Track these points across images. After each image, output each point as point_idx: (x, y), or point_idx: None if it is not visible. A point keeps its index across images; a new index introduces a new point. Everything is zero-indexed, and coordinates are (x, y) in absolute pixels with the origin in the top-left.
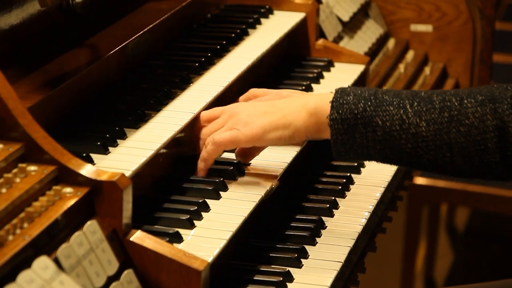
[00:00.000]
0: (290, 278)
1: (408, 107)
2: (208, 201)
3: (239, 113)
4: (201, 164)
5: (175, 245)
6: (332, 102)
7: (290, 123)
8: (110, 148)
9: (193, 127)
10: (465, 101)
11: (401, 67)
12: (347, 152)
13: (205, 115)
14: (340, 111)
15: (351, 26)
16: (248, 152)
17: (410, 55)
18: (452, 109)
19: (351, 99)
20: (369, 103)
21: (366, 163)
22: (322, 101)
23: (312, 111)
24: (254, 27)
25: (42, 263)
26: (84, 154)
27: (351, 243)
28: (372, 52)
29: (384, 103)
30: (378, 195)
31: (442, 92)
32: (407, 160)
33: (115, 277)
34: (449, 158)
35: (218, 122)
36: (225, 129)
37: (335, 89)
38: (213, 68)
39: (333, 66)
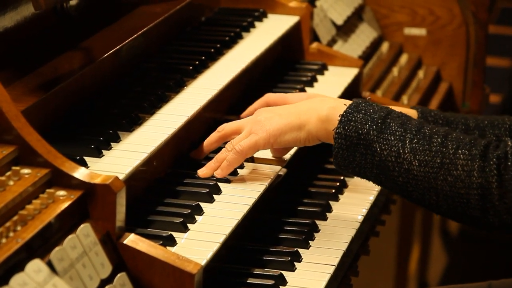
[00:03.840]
0: (284, 281)
1: (407, 142)
2: (202, 204)
3: (259, 119)
4: (218, 172)
5: (169, 248)
6: (341, 116)
7: (304, 125)
8: (104, 151)
9: (210, 135)
10: (459, 151)
11: (395, 70)
12: (346, 167)
13: (228, 128)
14: (346, 127)
15: (345, 29)
16: (279, 151)
17: (404, 58)
18: (445, 156)
19: (359, 118)
20: (374, 126)
21: None
22: (335, 111)
23: (324, 119)
24: (248, 31)
25: (35, 266)
26: (77, 157)
27: (344, 246)
28: (366, 56)
29: (387, 130)
30: (371, 198)
31: (445, 134)
32: (399, 191)
33: (109, 280)
34: (435, 201)
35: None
36: (244, 136)
37: (352, 101)
38: (207, 71)
39: (327, 69)
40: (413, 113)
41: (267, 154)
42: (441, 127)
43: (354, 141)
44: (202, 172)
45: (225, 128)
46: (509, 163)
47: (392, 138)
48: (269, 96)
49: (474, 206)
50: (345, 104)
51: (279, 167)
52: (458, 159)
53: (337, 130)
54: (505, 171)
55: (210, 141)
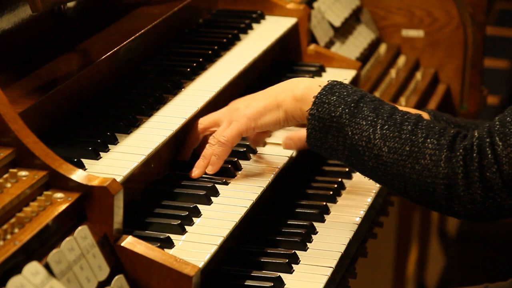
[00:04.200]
0: (281, 284)
1: (378, 127)
2: (200, 206)
3: (237, 107)
4: (209, 168)
5: (166, 250)
6: (315, 97)
7: (281, 105)
8: (102, 154)
9: (188, 133)
10: (428, 140)
11: (393, 72)
12: (319, 148)
13: (206, 121)
14: (320, 109)
15: (343, 31)
16: (257, 139)
17: (401, 60)
18: (414, 145)
19: (333, 100)
20: (346, 110)
21: None
22: (309, 92)
23: (298, 98)
24: (245, 32)
25: (33, 268)
26: (75, 160)
27: (342, 248)
28: (364, 57)
29: (360, 115)
30: (369, 200)
31: (415, 121)
32: (369, 174)
33: (106, 282)
34: (403, 187)
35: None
36: (225, 126)
37: (327, 82)
38: (205, 73)
39: (324, 71)
40: (425, 116)
41: (262, 156)
42: (413, 113)
43: (327, 123)
44: (194, 173)
45: (202, 122)
46: (475, 155)
47: (364, 123)
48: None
49: (439, 195)
50: (319, 86)
51: (277, 168)
52: (427, 148)
53: (311, 112)
54: (470, 162)
55: (191, 139)
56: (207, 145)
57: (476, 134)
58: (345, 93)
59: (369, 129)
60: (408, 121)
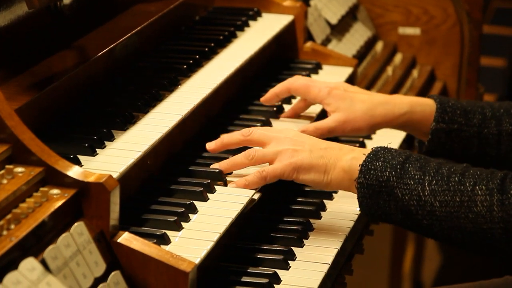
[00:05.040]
0: (277, 280)
1: (426, 184)
2: (196, 203)
3: (287, 149)
4: (233, 185)
5: (163, 246)
6: (361, 165)
7: (328, 171)
8: (98, 150)
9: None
10: (477, 187)
11: (389, 70)
12: (372, 215)
13: (256, 136)
14: (367, 176)
15: (339, 29)
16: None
17: (398, 58)
18: (464, 194)
19: (378, 166)
20: (393, 172)
21: None
22: (356, 161)
23: (346, 169)
24: (242, 30)
25: (29, 264)
26: (71, 156)
27: (338, 245)
28: (360, 55)
29: (407, 175)
30: None
31: (462, 171)
32: (427, 233)
33: (102, 278)
34: (460, 239)
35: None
36: (270, 155)
37: (371, 149)
38: (201, 70)
39: (321, 68)
40: (430, 103)
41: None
42: (460, 164)
43: (376, 189)
44: (215, 165)
45: (252, 134)
46: None
47: (412, 182)
48: (292, 83)
49: (499, 239)
50: (364, 154)
51: None
52: (477, 195)
53: (359, 180)
54: None
55: (231, 141)
56: (241, 154)
57: None
58: (389, 157)
59: (418, 187)
60: (455, 173)
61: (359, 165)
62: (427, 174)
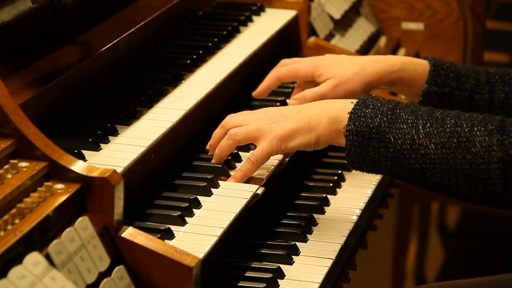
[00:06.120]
0: (281, 275)
1: (420, 127)
2: (200, 197)
3: (267, 125)
4: (231, 180)
5: (167, 241)
6: (350, 113)
7: (313, 128)
8: (102, 145)
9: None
10: (475, 128)
11: None
12: (360, 164)
13: (234, 123)
14: (357, 123)
15: (343, 24)
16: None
17: (401, 53)
18: (461, 135)
19: (368, 112)
20: (384, 118)
21: None
22: (343, 110)
23: (333, 120)
24: (245, 25)
25: (33, 259)
26: (75, 151)
27: (342, 240)
28: (364, 50)
29: (399, 120)
30: (369, 192)
31: (456, 115)
32: (416, 179)
33: (107, 273)
34: (454, 183)
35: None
36: (252, 131)
37: (358, 99)
38: (205, 65)
39: None
40: (424, 63)
41: None
42: (452, 111)
43: (366, 135)
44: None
45: (230, 123)
46: None
47: (405, 126)
48: (279, 72)
49: (495, 181)
50: (352, 102)
51: (276, 161)
52: (475, 136)
53: (348, 128)
54: None
55: (216, 138)
56: (226, 136)
57: None
58: (378, 104)
59: (412, 131)
60: (449, 116)
61: (348, 113)
62: (420, 118)
